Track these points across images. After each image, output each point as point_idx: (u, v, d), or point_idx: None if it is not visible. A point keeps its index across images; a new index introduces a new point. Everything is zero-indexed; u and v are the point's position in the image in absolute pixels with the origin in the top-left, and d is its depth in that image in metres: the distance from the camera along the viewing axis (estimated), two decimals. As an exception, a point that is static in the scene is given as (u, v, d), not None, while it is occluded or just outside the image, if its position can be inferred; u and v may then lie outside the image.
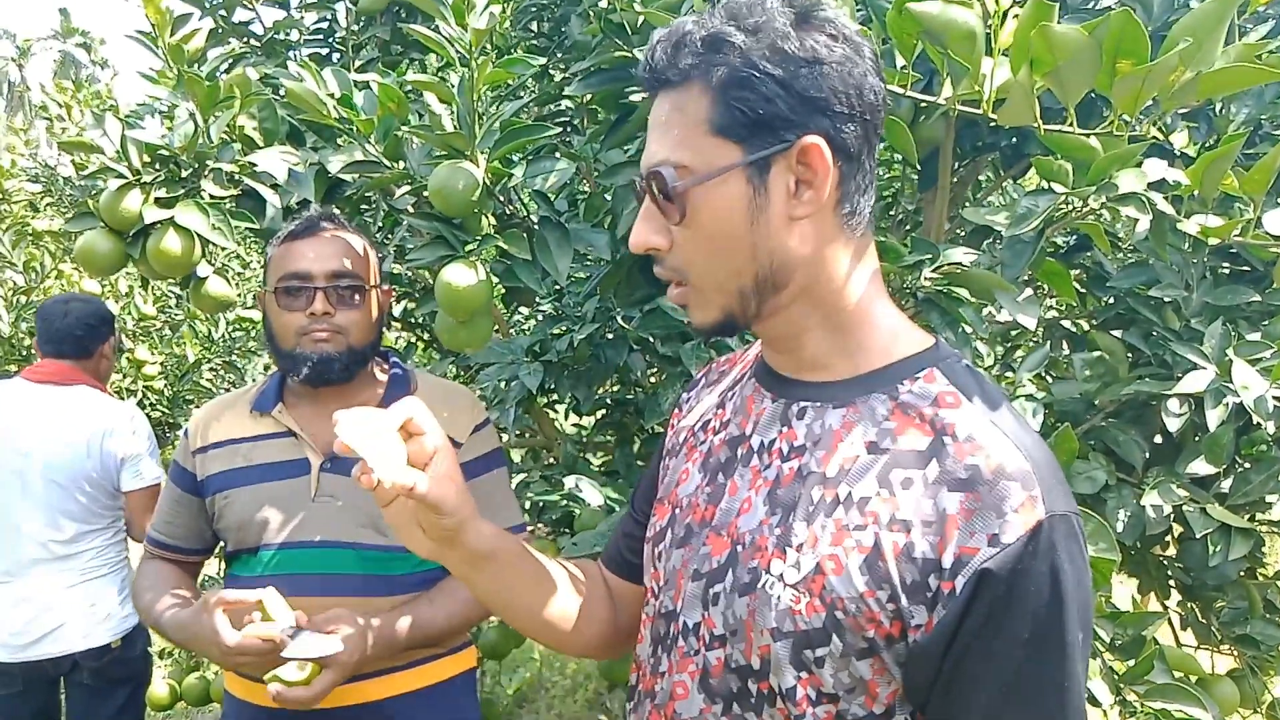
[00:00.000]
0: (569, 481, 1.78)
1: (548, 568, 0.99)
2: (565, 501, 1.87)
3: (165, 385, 4.31)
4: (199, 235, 1.51)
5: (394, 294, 2.27)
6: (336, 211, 1.60)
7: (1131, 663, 1.35)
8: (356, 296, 1.47)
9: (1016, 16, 1.09)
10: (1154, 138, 1.25)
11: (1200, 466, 1.45)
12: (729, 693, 0.81)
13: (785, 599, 0.75)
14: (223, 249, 1.59)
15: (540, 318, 2.19)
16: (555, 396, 2.27)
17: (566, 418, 2.66)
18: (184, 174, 1.56)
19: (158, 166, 1.55)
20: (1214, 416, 1.40)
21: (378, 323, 1.54)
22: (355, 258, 1.49)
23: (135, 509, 2.46)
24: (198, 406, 4.33)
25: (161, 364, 4.26)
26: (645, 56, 0.80)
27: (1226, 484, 1.50)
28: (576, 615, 0.99)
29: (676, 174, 0.76)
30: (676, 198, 0.76)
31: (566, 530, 1.93)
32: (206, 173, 1.55)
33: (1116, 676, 1.36)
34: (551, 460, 2.38)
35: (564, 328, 1.92)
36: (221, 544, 1.56)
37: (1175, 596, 1.78)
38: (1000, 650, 0.70)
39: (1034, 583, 0.69)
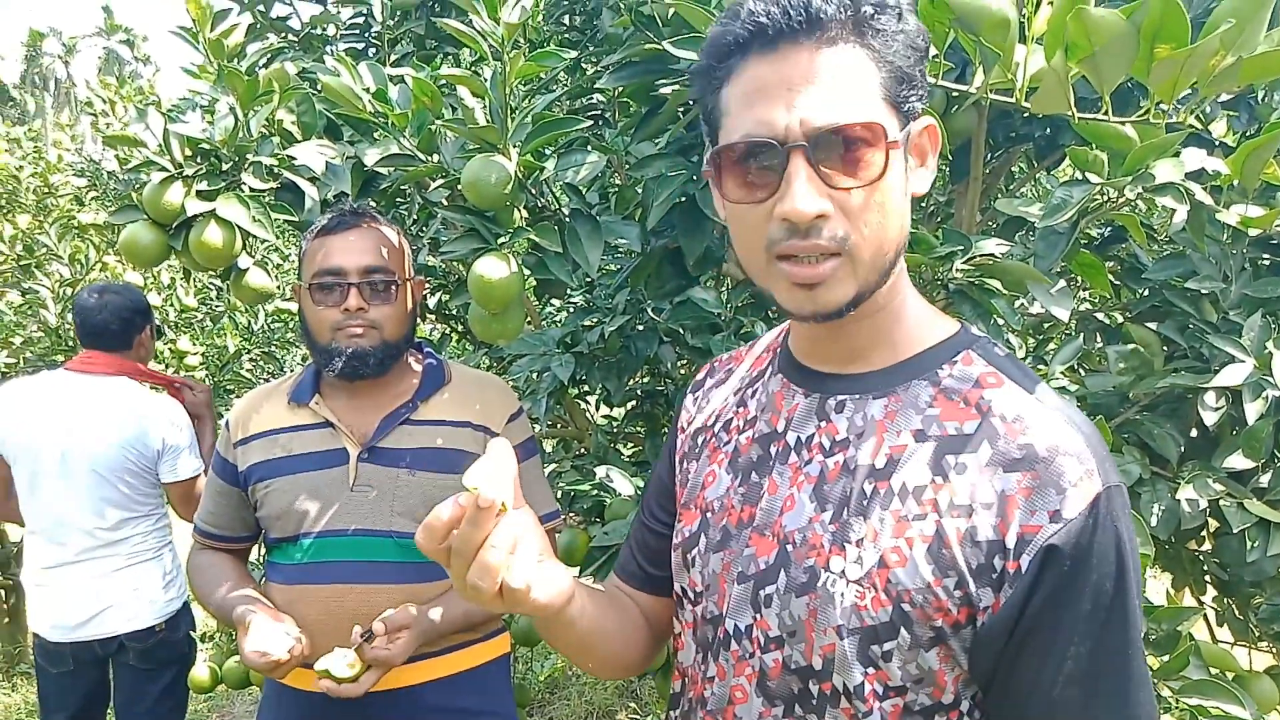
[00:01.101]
0: (600, 471, 1.80)
1: (599, 607, 0.93)
2: (596, 491, 1.89)
3: (206, 375, 4.39)
4: (240, 227, 1.54)
5: (427, 286, 2.30)
6: (370, 205, 1.63)
7: (1166, 658, 1.33)
8: (390, 290, 1.49)
9: (1051, 2, 1.08)
10: (1192, 126, 1.22)
11: (1238, 461, 1.42)
12: (789, 694, 0.80)
13: (850, 595, 0.75)
14: (262, 241, 1.62)
15: (571, 310, 2.20)
16: (586, 387, 2.29)
17: (597, 408, 2.68)
18: (225, 167, 1.59)
19: (199, 160, 1.58)
20: (1253, 410, 1.38)
21: (412, 315, 1.56)
22: (388, 251, 1.51)
23: (175, 500, 2.52)
24: (238, 396, 4.41)
25: (203, 354, 4.34)
26: (800, 3, 0.73)
27: (1265, 479, 1.47)
28: (624, 645, 0.97)
29: (878, 133, 0.72)
30: (887, 154, 0.72)
31: (598, 519, 1.94)
32: (246, 166, 1.59)
33: (1151, 672, 1.34)
34: (582, 450, 2.40)
35: (595, 319, 1.93)
36: (264, 531, 1.59)
37: (1211, 592, 1.75)
38: (1068, 623, 0.71)
39: (1097, 554, 0.70)
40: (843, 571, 0.76)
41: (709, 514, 0.89)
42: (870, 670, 0.75)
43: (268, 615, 1.41)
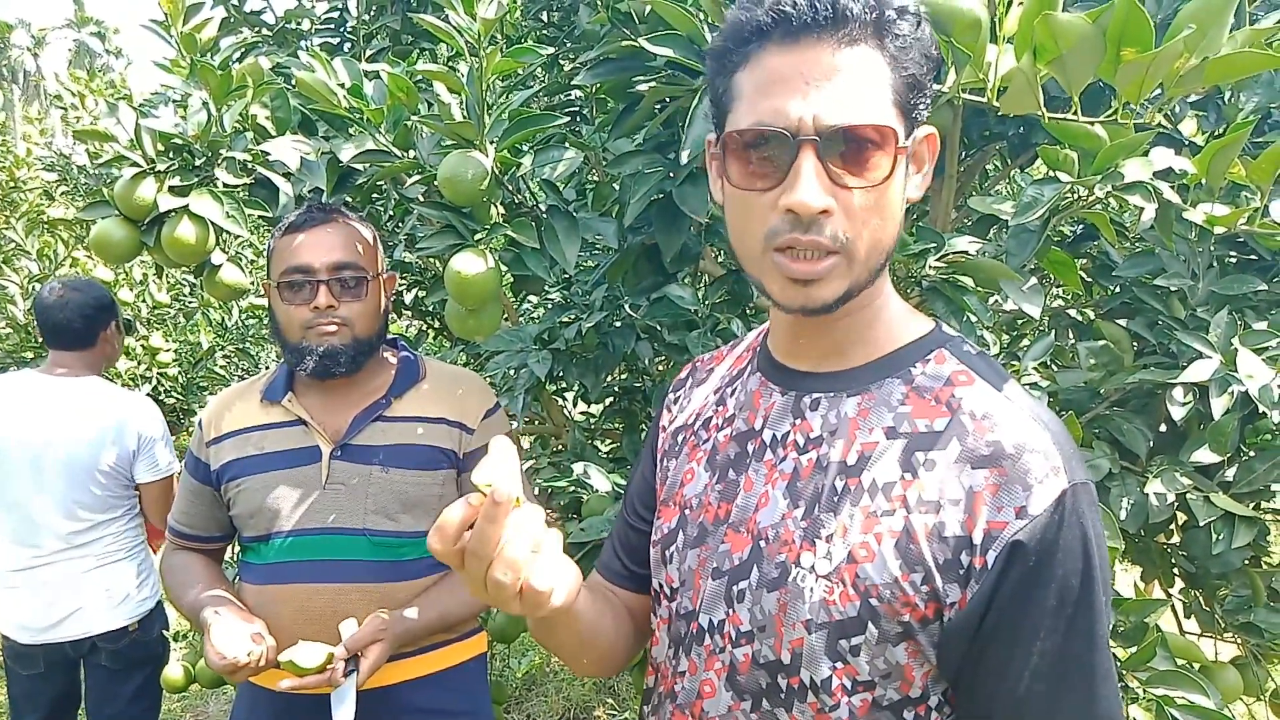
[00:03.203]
0: (577, 468, 1.80)
1: (595, 604, 0.94)
2: (573, 488, 1.89)
3: (179, 372, 4.35)
4: (213, 223, 1.53)
5: (399, 280, 2.28)
6: (340, 201, 1.62)
7: (1134, 649, 1.35)
8: (361, 287, 1.48)
9: (1021, 4, 1.09)
10: (1161, 126, 1.25)
11: (1204, 455, 1.45)
12: (758, 689, 0.81)
13: (819, 590, 0.76)
14: (236, 237, 1.60)
15: (549, 306, 2.21)
16: (564, 384, 2.29)
17: (575, 405, 2.68)
18: (197, 162, 1.58)
19: (171, 155, 1.57)
20: (1219, 405, 1.41)
21: (384, 311, 1.55)
22: (357, 247, 1.49)
23: (151, 499, 2.49)
24: (211, 393, 4.37)
25: (176, 351, 4.30)
26: None
27: (1231, 472, 1.50)
28: (613, 641, 0.98)
29: (888, 137, 0.73)
30: (895, 158, 0.74)
31: (575, 515, 1.95)
32: (220, 161, 1.57)
33: (1119, 663, 1.37)
34: (560, 447, 2.40)
35: (572, 316, 1.93)
36: (237, 531, 1.58)
37: (1179, 585, 1.78)
38: (1034, 618, 0.72)
39: (1063, 550, 0.71)
40: (812, 567, 0.77)
41: (687, 511, 0.90)
42: (839, 665, 0.76)
43: (234, 616, 1.40)
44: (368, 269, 1.50)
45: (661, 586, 0.92)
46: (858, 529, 0.76)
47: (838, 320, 0.81)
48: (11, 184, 4.46)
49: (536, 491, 1.99)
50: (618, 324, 1.90)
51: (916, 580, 0.73)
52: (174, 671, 2.40)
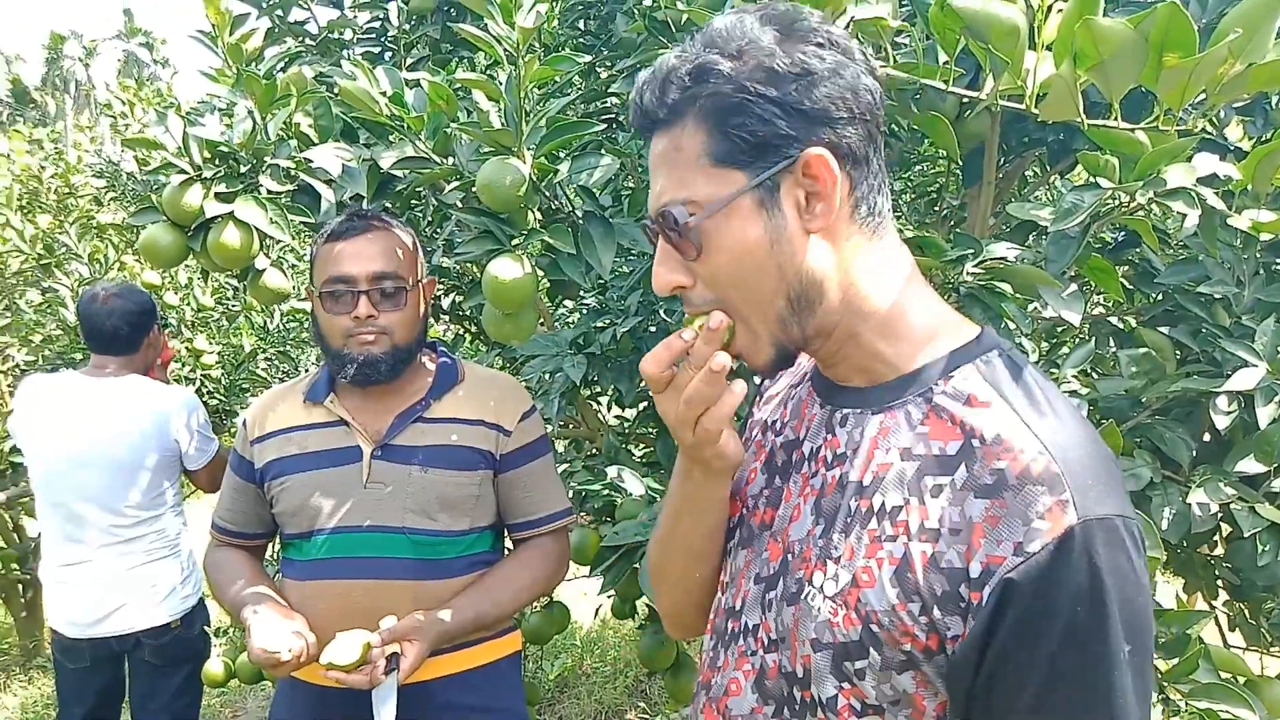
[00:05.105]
0: (611, 471, 1.81)
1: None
2: (607, 491, 1.90)
3: (222, 374, 4.43)
4: (257, 229, 1.56)
5: (438, 285, 2.31)
6: (379, 207, 1.64)
7: (1175, 661, 1.33)
8: (400, 296, 1.49)
9: (1060, 10, 1.08)
10: (1205, 132, 1.23)
11: (1249, 465, 1.42)
12: (781, 696, 0.81)
13: (824, 611, 0.75)
14: (279, 242, 1.63)
15: (584, 311, 2.22)
16: (598, 388, 2.30)
17: (609, 409, 2.69)
18: (243, 170, 1.62)
19: (218, 162, 1.61)
20: (1265, 414, 1.38)
21: (423, 318, 1.57)
22: (397, 256, 1.50)
23: (204, 481, 2.55)
24: (254, 395, 4.45)
25: (219, 354, 4.38)
26: (633, 100, 0.79)
27: (1277, 483, 1.47)
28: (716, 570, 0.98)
29: (686, 210, 0.75)
30: (690, 233, 0.76)
31: (609, 519, 1.96)
32: (264, 168, 1.61)
33: (1160, 675, 1.34)
34: (594, 450, 2.42)
35: (607, 321, 1.95)
36: (279, 528, 1.61)
37: (1223, 597, 1.75)
38: (1038, 663, 0.67)
39: (1065, 593, 0.65)
40: (821, 587, 0.76)
41: (746, 509, 0.91)
42: (845, 685, 0.75)
43: (276, 612, 1.43)
44: (407, 277, 1.52)
45: (722, 578, 0.94)
46: (863, 552, 0.74)
47: (839, 348, 0.81)
48: (67, 190, 4.59)
49: (571, 494, 2.00)
50: (652, 329, 1.91)
51: (914, 610, 0.71)
52: (215, 667, 2.45)
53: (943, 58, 1.18)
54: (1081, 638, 0.66)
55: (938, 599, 0.70)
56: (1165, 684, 1.34)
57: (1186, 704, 1.31)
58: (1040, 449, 0.69)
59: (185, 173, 1.57)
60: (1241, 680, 1.47)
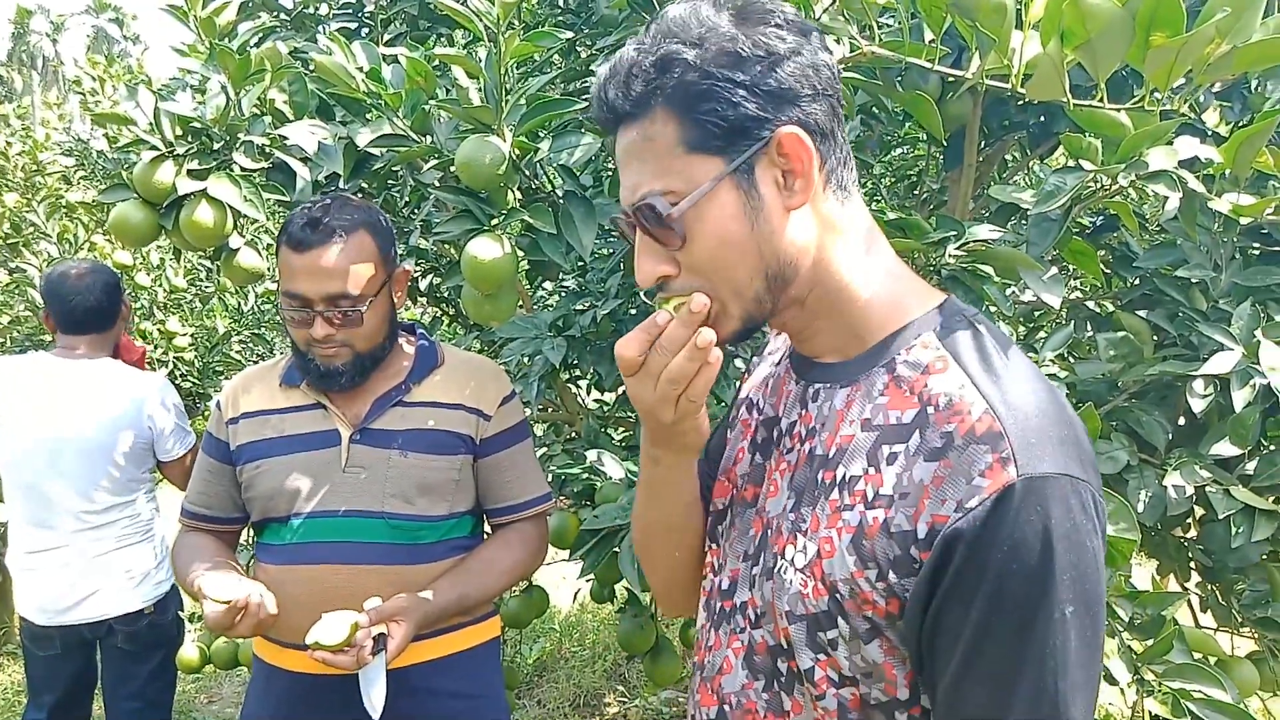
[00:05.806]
0: (591, 455, 1.80)
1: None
2: (587, 475, 1.90)
3: (195, 356, 4.38)
4: (231, 207, 1.53)
5: (412, 273, 2.28)
6: (355, 188, 1.60)
7: (1150, 642, 1.35)
8: (357, 316, 1.43)
9: (1048, -10, 1.08)
10: (1186, 115, 1.23)
11: (1224, 448, 1.44)
12: (770, 670, 0.82)
13: (795, 583, 0.77)
14: (253, 221, 1.60)
15: (564, 293, 2.20)
16: (578, 371, 2.29)
17: (589, 392, 2.68)
18: (216, 146, 1.58)
19: (190, 139, 1.57)
20: (1240, 398, 1.39)
21: (390, 315, 1.52)
22: (356, 272, 1.42)
23: (175, 474, 2.51)
24: (227, 378, 4.39)
25: (192, 335, 4.33)
26: (596, 96, 0.79)
27: (1251, 466, 1.49)
28: (701, 539, 1.00)
29: (666, 200, 0.75)
30: (673, 224, 0.76)
31: (588, 503, 1.95)
32: (238, 145, 1.57)
33: (1135, 656, 1.36)
34: (574, 434, 2.41)
35: (587, 303, 1.93)
36: (249, 515, 1.59)
37: (1195, 578, 1.77)
38: (975, 619, 0.67)
39: (1000, 550, 0.65)
40: (792, 560, 0.78)
41: (735, 490, 0.92)
42: (821, 657, 0.76)
43: (226, 574, 1.39)
44: (367, 293, 1.44)
45: (711, 562, 0.94)
46: (825, 523, 0.76)
47: (807, 324, 0.82)
48: (34, 168, 4.49)
49: (550, 478, 1.99)
50: (633, 311, 1.90)
51: (871, 577, 0.71)
52: (189, 653, 2.42)
53: (928, 36, 1.17)
54: (1016, 597, 0.66)
55: (892, 563, 0.70)
56: (1140, 664, 1.35)
57: (1160, 684, 1.33)
58: (986, 408, 0.70)
59: (157, 149, 1.53)
60: (1213, 660, 1.50)
